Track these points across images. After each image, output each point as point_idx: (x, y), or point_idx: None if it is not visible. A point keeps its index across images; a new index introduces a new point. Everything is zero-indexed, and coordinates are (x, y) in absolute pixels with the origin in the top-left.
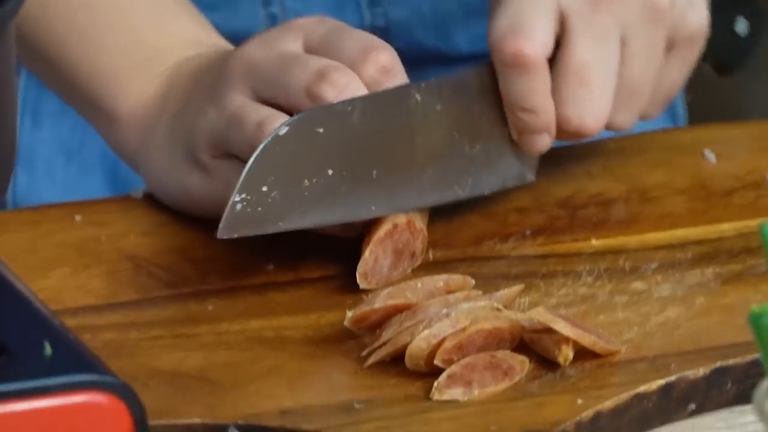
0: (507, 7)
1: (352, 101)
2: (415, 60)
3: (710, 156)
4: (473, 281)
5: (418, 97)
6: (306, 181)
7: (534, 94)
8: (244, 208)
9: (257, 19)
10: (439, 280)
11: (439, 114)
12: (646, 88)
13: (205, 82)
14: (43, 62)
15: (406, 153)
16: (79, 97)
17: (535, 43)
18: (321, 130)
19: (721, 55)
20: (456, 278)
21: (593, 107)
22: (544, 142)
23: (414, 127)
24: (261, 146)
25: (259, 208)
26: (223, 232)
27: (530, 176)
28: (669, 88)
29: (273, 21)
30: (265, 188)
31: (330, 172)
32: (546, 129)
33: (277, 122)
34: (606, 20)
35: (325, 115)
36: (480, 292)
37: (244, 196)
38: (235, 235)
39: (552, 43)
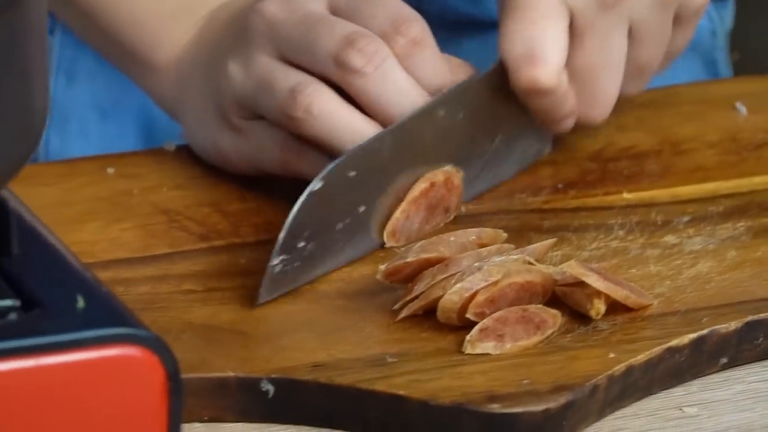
0: (519, 21)
1: (381, 136)
2: (448, 25)
3: (742, 109)
4: (505, 234)
5: (442, 113)
6: (339, 223)
7: (554, 108)
8: (283, 269)
9: None
10: (472, 233)
11: (462, 121)
12: (655, 62)
13: (231, 37)
14: (81, 14)
15: (432, 166)
16: (117, 48)
17: (551, 71)
18: (353, 174)
19: None
20: (488, 231)
21: (598, 103)
22: (569, 123)
23: (439, 141)
24: (297, 206)
25: (296, 264)
26: (263, 297)
27: (548, 148)
28: (674, 53)
29: None
30: (301, 244)
31: (361, 209)
32: (569, 116)
33: (309, 88)
34: (612, 17)
35: (357, 158)
36: (512, 246)
37: (282, 257)
38: (275, 296)
39: (566, 54)
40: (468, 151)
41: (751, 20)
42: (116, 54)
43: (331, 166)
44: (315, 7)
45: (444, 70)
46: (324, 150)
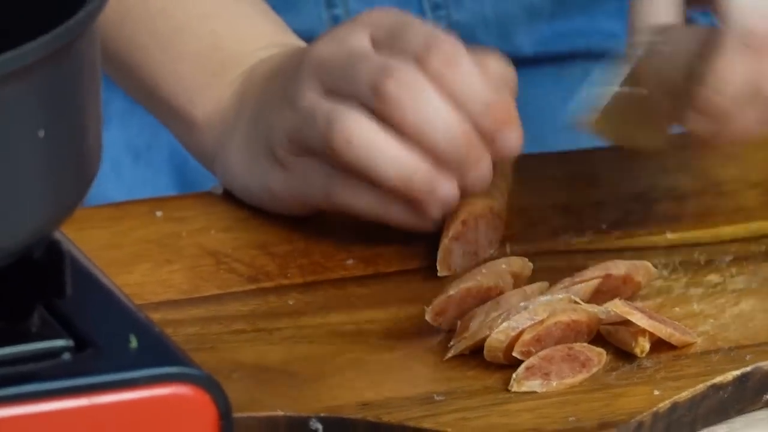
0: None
1: None
2: None
3: None
4: (531, 264)
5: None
6: None
7: (750, 81)
8: None
9: (321, 20)
10: (501, 262)
11: None
12: None
13: (281, 80)
14: (122, 68)
15: None
16: (158, 103)
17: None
18: None
19: None
20: (515, 260)
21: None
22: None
23: None
24: None
25: None
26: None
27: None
28: None
29: (336, 22)
30: None
31: None
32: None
33: (348, 117)
34: None
35: None
36: (547, 284)
37: None
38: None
39: None
40: None
41: None
42: (158, 109)
43: None
44: (358, 42)
45: (481, 85)
46: (366, 179)
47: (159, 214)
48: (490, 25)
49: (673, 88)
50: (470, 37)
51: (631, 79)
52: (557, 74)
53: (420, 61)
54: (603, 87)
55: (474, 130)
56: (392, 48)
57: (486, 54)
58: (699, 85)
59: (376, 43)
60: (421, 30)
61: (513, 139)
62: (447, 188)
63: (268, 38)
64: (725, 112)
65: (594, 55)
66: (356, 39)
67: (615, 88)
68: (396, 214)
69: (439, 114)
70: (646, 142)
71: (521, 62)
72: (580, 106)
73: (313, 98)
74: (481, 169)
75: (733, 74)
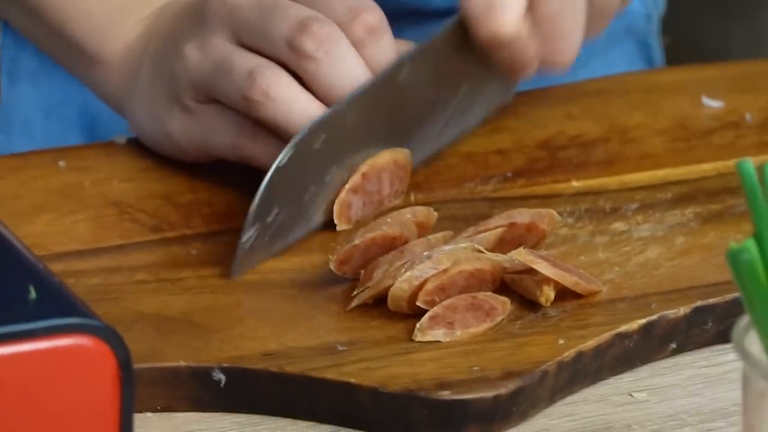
0: None
1: (346, 104)
2: (389, 15)
3: (710, 102)
4: (435, 213)
5: (406, 73)
6: (306, 194)
7: (516, 57)
8: (252, 244)
9: None
10: (406, 212)
11: (426, 80)
12: (615, 3)
13: (186, 22)
14: (27, 9)
15: (397, 129)
16: (63, 43)
17: (512, 21)
18: (317, 146)
19: None
20: (421, 209)
21: (564, 49)
22: (531, 71)
23: (404, 102)
24: (262, 186)
25: (266, 237)
26: (235, 272)
27: (510, 97)
28: None
29: None
30: (270, 218)
31: (328, 178)
32: (532, 64)
33: (268, 72)
34: None
35: (320, 129)
36: (451, 233)
37: (250, 234)
38: (247, 269)
39: (525, 2)
40: (433, 108)
41: (681, 6)
42: (62, 50)
43: (294, 139)
44: None
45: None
46: (278, 134)
47: (62, 164)
48: None
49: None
50: None
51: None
52: None
53: (342, 26)
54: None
55: None
56: (311, 7)
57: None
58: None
59: None
60: None
61: None
62: None
63: None
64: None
65: None
66: None
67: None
68: None
69: (354, 74)
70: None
71: (433, 15)
72: None
73: (226, 47)
74: None
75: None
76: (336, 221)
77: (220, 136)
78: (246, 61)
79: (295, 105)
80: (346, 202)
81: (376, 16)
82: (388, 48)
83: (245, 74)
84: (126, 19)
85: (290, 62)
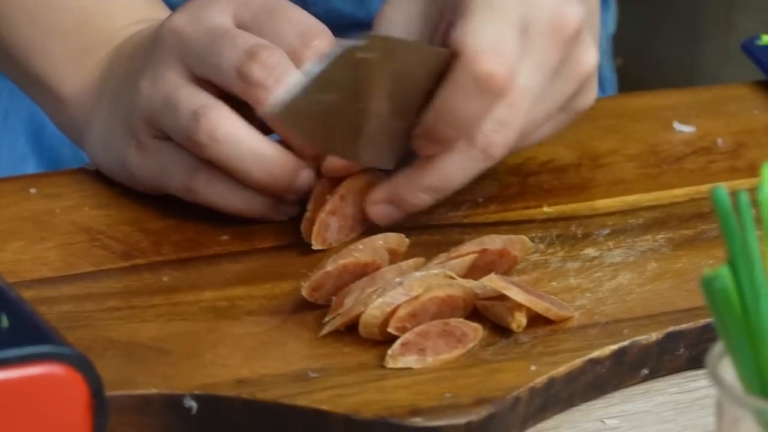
0: (480, 20)
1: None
2: (333, 27)
3: (682, 127)
4: (407, 240)
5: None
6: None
7: (480, 117)
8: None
9: None
10: (378, 238)
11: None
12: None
13: (143, 54)
14: None
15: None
16: (31, 80)
17: (510, 70)
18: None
19: None
20: (392, 236)
21: (511, 132)
22: (497, 152)
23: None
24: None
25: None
26: (275, 105)
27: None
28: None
29: None
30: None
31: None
32: (448, 146)
33: (212, 113)
34: (551, 49)
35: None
36: (423, 259)
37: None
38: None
39: None
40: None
41: (633, 25)
42: (28, 84)
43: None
44: (221, 20)
45: None
46: (229, 175)
47: (33, 191)
48: None
49: (404, 106)
50: (326, 2)
51: (322, 81)
52: None
53: (295, 53)
54: (299, 79)
55: None
56: (262, 35)
57: None
58: (428, 111)
59: (241, 25)
60: (295, 19)
61: None
62: (305, 176)
63: (139, 13)
64: (446, 141)
65: None
66: (217, 16)
67: (304, 85)
68: (256, 208)
69: None
70: (345, 152)
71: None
72: (282, 94)
73: (175, 83)
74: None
75: (464, 110)
76: (312, 242)
77: (172, 176)
78: (192, 99)
79: (243, 145)
80: (325, 224)
81: (327, 42)
82: None
83: (190, 115)
84: (86, 58)
85: (239, 91)
